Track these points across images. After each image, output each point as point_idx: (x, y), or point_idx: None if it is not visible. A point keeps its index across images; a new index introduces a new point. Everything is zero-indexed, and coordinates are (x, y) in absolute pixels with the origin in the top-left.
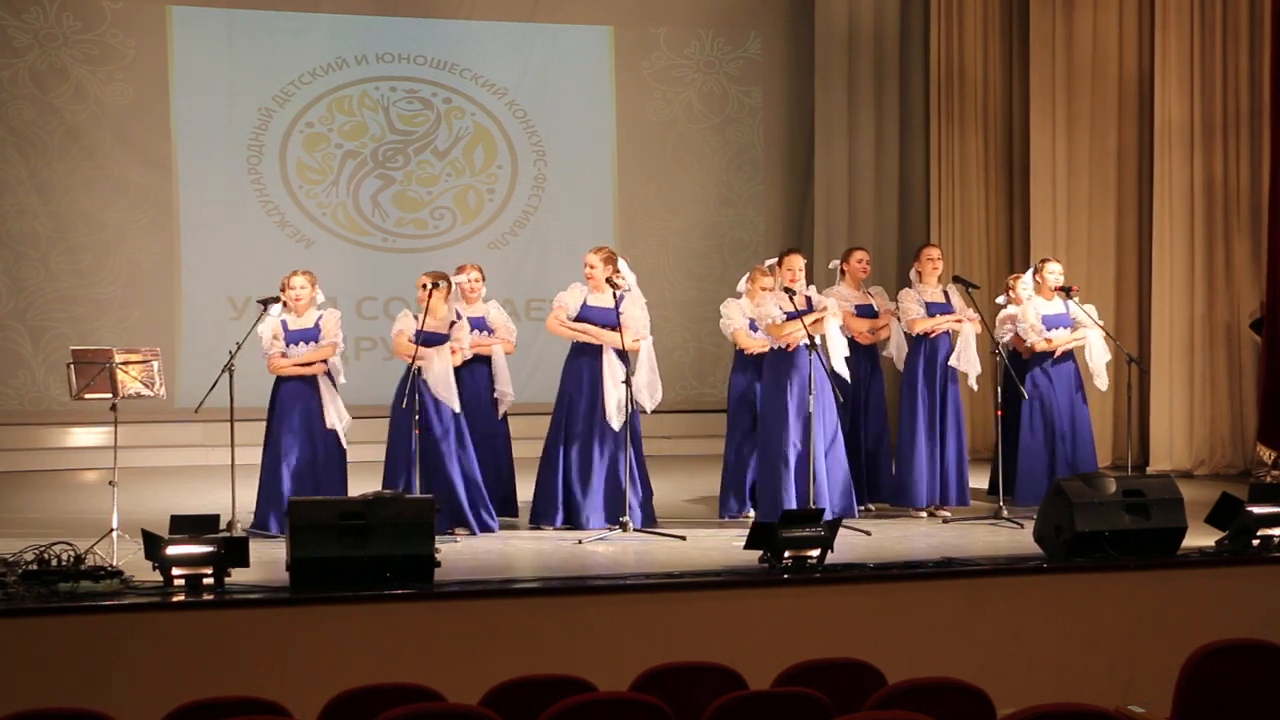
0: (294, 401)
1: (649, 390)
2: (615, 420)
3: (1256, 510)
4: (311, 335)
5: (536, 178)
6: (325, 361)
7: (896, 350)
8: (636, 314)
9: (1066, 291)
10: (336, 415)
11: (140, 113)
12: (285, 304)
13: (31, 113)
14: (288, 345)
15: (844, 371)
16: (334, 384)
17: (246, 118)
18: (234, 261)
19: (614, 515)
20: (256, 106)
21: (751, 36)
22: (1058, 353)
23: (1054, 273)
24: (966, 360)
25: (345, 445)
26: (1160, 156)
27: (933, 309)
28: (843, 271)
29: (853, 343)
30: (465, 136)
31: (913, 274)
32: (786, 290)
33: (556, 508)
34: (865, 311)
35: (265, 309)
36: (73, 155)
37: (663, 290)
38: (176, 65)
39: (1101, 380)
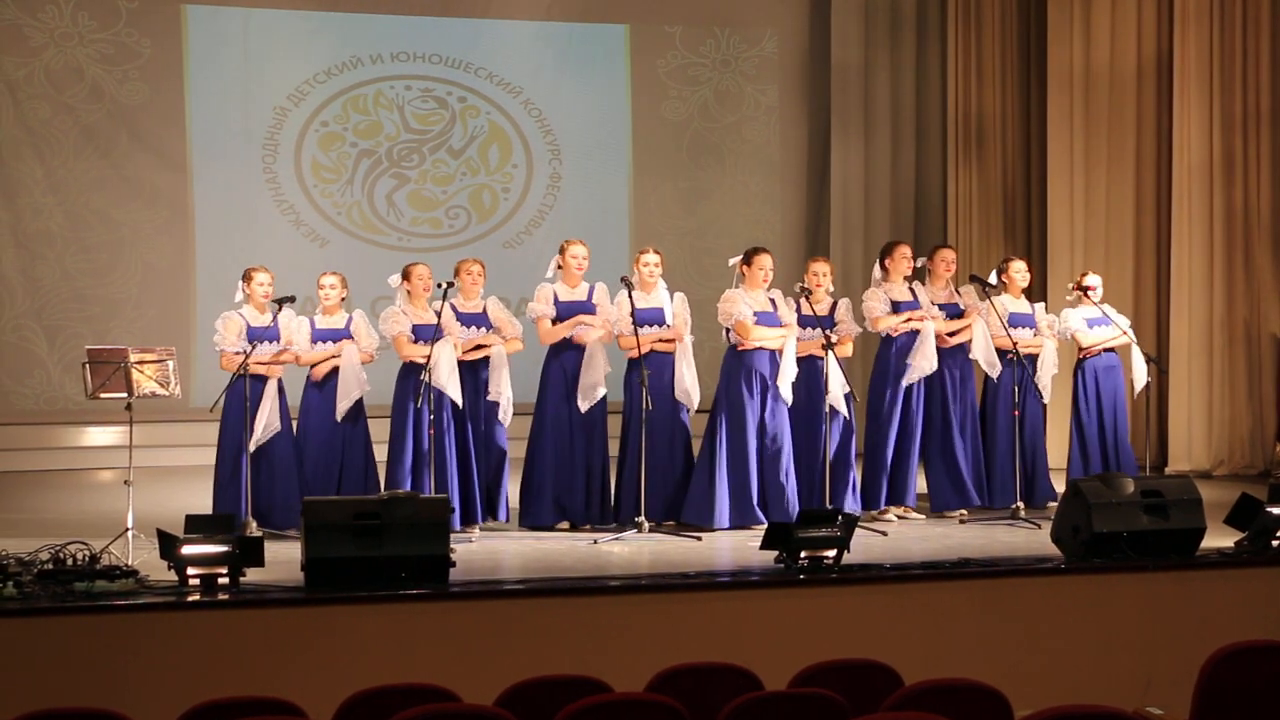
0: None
1: (691, 390)
2: (583, 402)
3: (1276, 511)
4: (272, 334)
5: (551, 177)
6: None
7: (982, 354)
8: (611, 306)
9: (1084, 291)
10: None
11: (155, 112)
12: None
13: (47, 112)
14: (249, 341)
15: (787, 395)
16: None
17: (261, 117)
18: (249, 261)
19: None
20: (271, 105)
21: (767, 35)
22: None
23: (1020, 271)
24: (921, 355)
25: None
26: (1179, 155)
27: (903, 307)
28: (929, 270)
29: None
30: (480, 135)
31: (880, 270)
32: (802, 290)
33: (562, 506)
34: (952, 311)
35: (279, 308)
36: (88, 155)
37: (677, 289)
38: (192, 64)
39: (1045, 391)
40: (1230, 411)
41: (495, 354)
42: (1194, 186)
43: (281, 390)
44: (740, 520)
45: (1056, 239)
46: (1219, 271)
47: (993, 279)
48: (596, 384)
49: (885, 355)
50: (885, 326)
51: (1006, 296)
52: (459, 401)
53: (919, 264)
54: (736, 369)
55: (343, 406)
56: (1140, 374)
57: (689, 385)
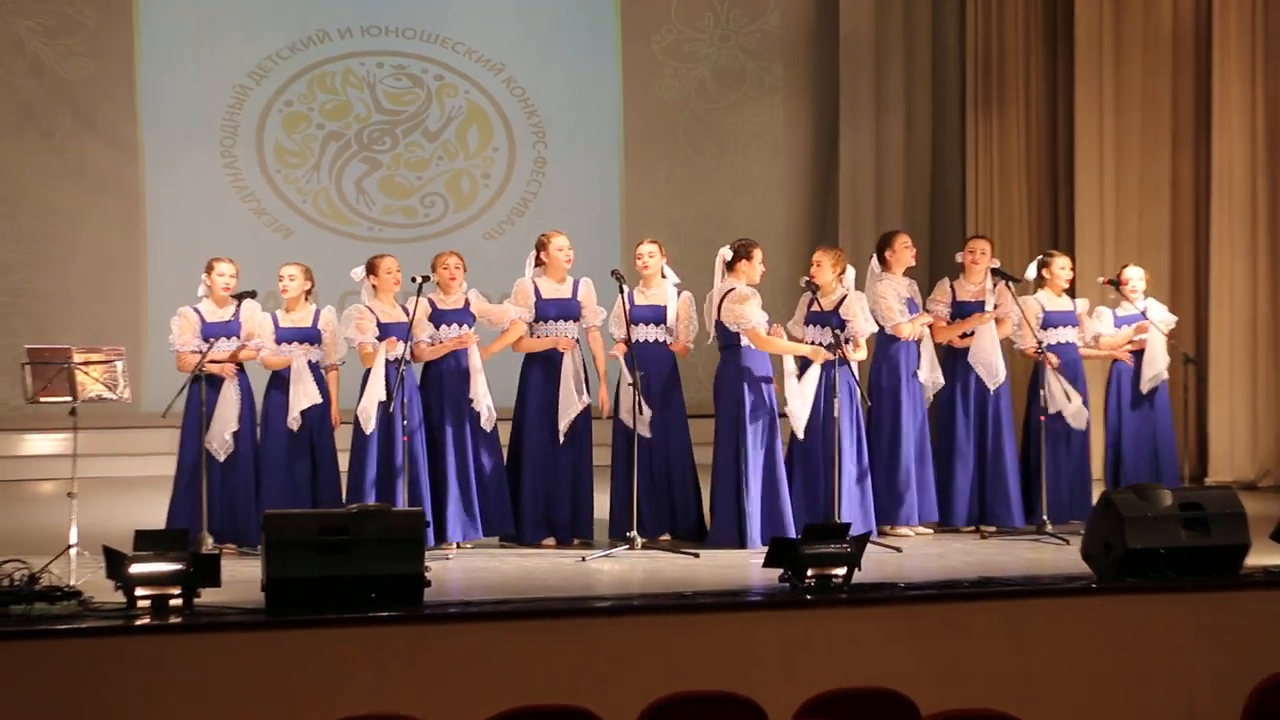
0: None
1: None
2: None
3: None
4: (232, 329)
5: (536, 161)
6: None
7: (983, 358)
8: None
9: (1116, 285)
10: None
11: (103, 90)
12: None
13: None
14: (204, 339)
15: (799, 424)
16: (240, 391)
17: (219, 96)
18: (205, 252)
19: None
20: (231, 84)
21: (771, 7)
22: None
23: (1063, 267)
24: (926, 372)
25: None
26: (1219, 136)
27: (909, 306)
28: (962, 264)
29: (950, 350)
30: (458, 116)
31: (879, 263)
32: (810, 285)
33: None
34: (978, 309)
35: (239, 304)
36: (28, 136)
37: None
38: (143, 38)
39: (1072, 406)
40: (1276, 416)
41: (473, 357)
42: (1235, 170)
43: (248, 390)
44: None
45: (1085, 229)
46: (1263, 262)
47: (1031, 272)
48: (570, 406)
49: (893, 358)
50: (910, 334)
51: (1044, 294)
52: (368, 429)
53: (958, 259)
54: (746, 372)
55: (293, 414)
56: (1153, 366)
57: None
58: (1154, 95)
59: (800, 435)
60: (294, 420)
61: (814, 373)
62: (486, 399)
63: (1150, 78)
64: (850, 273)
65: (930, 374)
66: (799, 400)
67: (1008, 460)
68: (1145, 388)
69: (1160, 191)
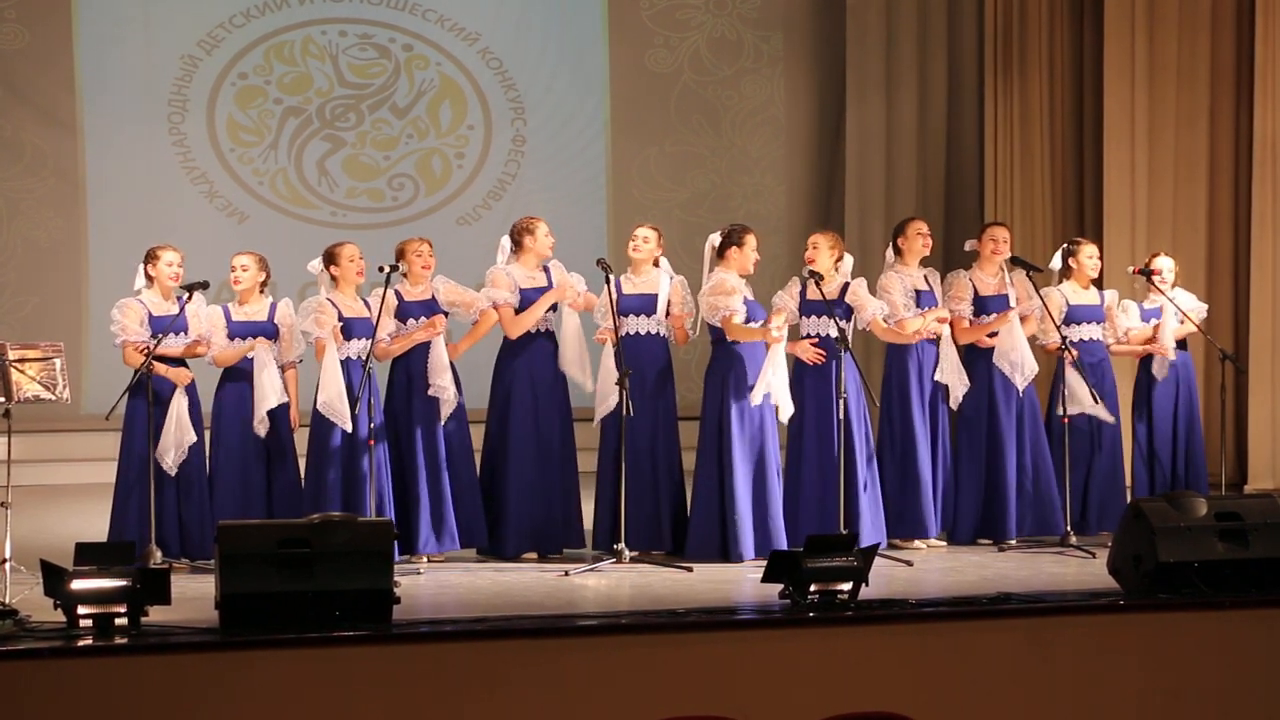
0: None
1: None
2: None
3: None
4: (180, 326)
5: (514, 139)
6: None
7: (1006, 357)
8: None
9: (1147, 276)
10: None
11: (38, 59)
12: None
13: None
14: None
15: (786, 407)
16: (190, 402)
17: (167, 67)
18: (152, 239)
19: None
20: (179, 53)
21: None
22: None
23: (1091, 257)
24: (949, 370)
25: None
26: (1262, 111)
27: (922, 299)
28: (978, 254)
29: (973, 349)
30: (429, 91)
31: (894, 253)
32: (811, 275)
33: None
34: (997, 306)
35: (189, 296)
36: None
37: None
38: (82, 2)
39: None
40: None
41: (436, 349)
42: (1279, 145)
43: (193, 395)
44: (766, 549)
45: (1114, 211)
46: None
47: (1056, 261)
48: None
49: (902, 359)
50: (916, 330)
51: (1069, 285)
52: (347, 428)
53: (967, 247)
54: (732, 368)
55: (260, 414)
56: (1169, 334)
57: (589, 379)
58: (1190, 64)
59: (784, 420)
60: (260, 422)
61: (778, 354)
62: (450, 389)
63: (1186, 45)
64: (848, 260)
65: (955, 376)
66: (776, 386)
67: (1047, 465)
68: (1157, 371)
69: (1196, 170)
